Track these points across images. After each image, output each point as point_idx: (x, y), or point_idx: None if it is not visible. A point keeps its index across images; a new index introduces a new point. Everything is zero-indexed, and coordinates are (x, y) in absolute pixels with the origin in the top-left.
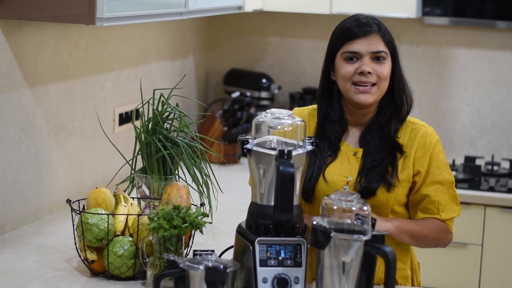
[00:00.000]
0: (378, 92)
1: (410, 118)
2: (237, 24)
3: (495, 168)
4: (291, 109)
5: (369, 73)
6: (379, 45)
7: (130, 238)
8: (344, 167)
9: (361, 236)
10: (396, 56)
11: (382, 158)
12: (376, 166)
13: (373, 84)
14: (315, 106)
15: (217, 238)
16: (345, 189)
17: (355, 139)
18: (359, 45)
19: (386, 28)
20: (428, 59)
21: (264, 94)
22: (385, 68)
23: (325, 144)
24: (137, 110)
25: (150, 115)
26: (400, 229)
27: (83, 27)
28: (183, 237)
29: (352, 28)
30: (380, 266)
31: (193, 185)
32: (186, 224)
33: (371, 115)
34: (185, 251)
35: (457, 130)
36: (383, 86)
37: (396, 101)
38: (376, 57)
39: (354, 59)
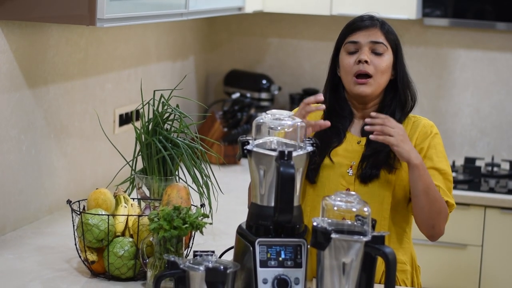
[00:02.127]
0: (375, 84)
1: (411, 114)
2: (237, 25)
3: (495, 169)
4: (291, 110)
5: (366, 62)
6: (379, 37)
7: (131, 239)
8: (348, 153)
9: (361, 237)
10: (399, 54)
11: (384, 146)
12: (379, 152)
13: (370, 76)
14: None
15: (217, 239)
16: (348, 172)
17: (358, 129)
18: (359, 36)
19: (390, 27)
20: (428, 60)
21: (264, 95)
22: (383, 61)
23: (333, 132)
24: (137, 111)
25: (151, 116)
26: (421, 168)
27: (84, 28)
28: (184, 238)
29: (355, 22)
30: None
31: (193, 186)
32: (186, 225)
33: (374, 108)
34: (185, 252)
35: (457, 131)
36: (379, 79)
37: (400, 98)
38: (375, 49)
39: (355, 51)
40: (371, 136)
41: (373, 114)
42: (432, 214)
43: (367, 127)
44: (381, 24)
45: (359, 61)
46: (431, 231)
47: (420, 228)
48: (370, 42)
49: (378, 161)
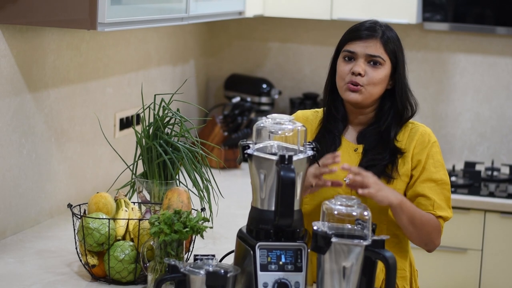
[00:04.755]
0: (366, 94)
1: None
2: (238, 30)
3: (495, 173)
4: (291, 114)
5: (360, 74)
6: (377, 50)
7: (131, 243)
8: (345, 160)
9: (361, 241)
10: (399, 64)
11: (381, 159)
12: (375, 165)
13: (362, 86)
14: (317, 109)
15: (217, 243)
16: (345, 180)
17: (354, 136)
18: (357, 46)
19: (392, 36)
20: (428, 65)
21: (264, 99)
22: (378, 74)
23: (329, 138)
24: (138, 115)
25: (151, 120)
26: (402, 205)
27: (84, 32)
28: (184, 242)
29: (356, 30)
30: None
31: (194, 190)
32: (187, 229)
33: (370, 115)
34: (185, 256)
35: (457, 135)
36: (371, 90)
37: (397, 109)
38: (372, 61)
39: (352, 59)
40: (359, 191)
41: (345, 165)
42: (422, 237)
43: (348, 185)
44: (382, 34)
45: (353, 73)
46: (425, 247)
47: (415, 245)
48: (366, 54)
49: (376, 172)
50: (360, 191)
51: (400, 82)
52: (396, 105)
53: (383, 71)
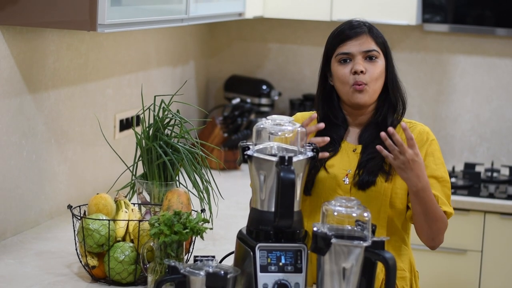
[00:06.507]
0: (370, 91)
1: (407, 119)
2: (238, 31)
3: (495, 174)
4: (291, 115)
5: (362, 72)
6: (370, 45)
7: (131, 244)
8: (344, 161)
9: (361, 242)
10: (389, 56)
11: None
12: (374, 158)
13: (366, 84)
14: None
15: (217, 244)
16: (344, 181)
17: (354, 137)
18: (351, 46)
19: (377, 30)
20: (428, 66)
21: (264, 101)
22: (377, 68)
23: (327, 143)
24: (137, 116)
25: (151, 121)
26: (426, 191)
27: (84, 33)
28: (184, 243)
29: (343, 31)
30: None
31: (194, 191)
32: (187, 230)
33: (369, 115)
34: (185, 257)
35: (456, 136)
36: (374, 86)
37: (391, 99)
38: (369, 57)
39: (348, 61)
40: (383, 152)
41: (391, 129)
42: (431, 231)
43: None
44: (369, 29)
45: (355, 72)
46: (431, 243)
47: (421, 239)
48: (362, 51)
49: (374, 167)
50: (384, 152)
51: (391, 73)
52: (389, 97)
53: (380, 64)
